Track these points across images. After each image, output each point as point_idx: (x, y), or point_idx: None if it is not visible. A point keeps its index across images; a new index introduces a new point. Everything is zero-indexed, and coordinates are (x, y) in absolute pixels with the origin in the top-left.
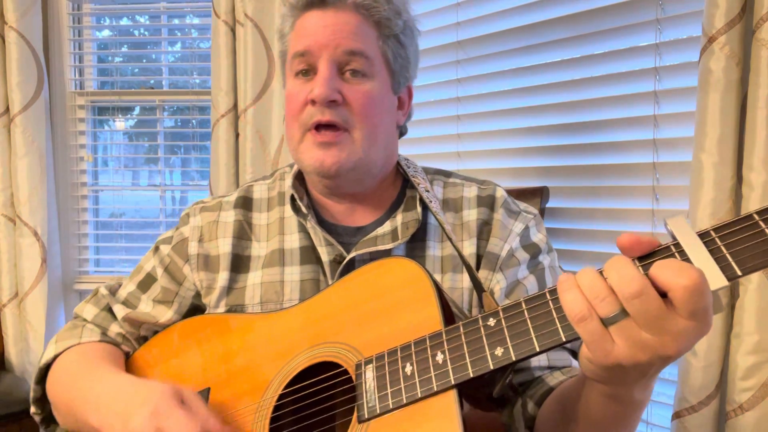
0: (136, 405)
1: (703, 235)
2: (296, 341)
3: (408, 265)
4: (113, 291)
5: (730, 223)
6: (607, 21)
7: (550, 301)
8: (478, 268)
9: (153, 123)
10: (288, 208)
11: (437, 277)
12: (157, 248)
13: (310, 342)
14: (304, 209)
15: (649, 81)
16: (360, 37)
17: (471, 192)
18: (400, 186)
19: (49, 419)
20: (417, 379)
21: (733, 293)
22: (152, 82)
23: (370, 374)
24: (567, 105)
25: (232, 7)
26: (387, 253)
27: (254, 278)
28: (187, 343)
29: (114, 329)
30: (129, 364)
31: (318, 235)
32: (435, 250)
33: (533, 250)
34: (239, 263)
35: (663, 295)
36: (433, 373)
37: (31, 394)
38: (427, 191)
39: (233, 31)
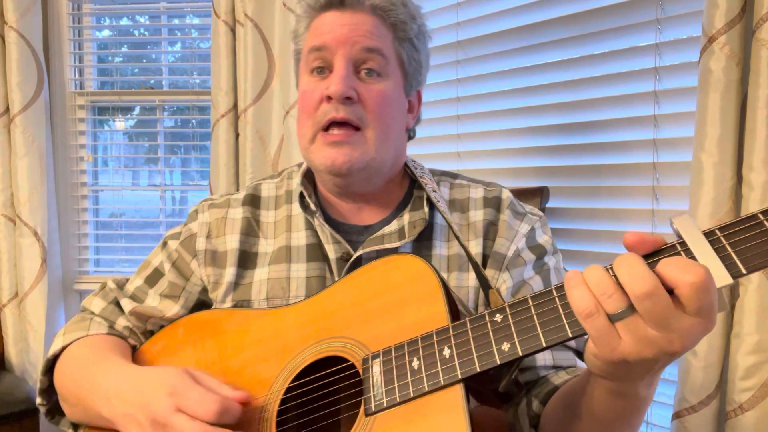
0: (153, 389)
1: (708, 234)
2: (303, 336)
3: (415, 261)
4: (121, 285)
5: (735, 223)
6: (607, 21)
7: (556, 298)
8: (484, 268)
9: (153, 123)
10: (295, 206)
11: (443, 275)
12: (165, 243)
13: (316, 337)
14: (312, 206)
15: (649, 81)
16: (377, 36)
17: (477, 193)
18: (407, 186)
19: (54, 410)
20: (424, 373)
21: (734, 293)
22: (152, 82)
23: (377, 368)
24: (567, 105)
25: (232, 7)
26: (394, 252)
27: (261, 274)
28: (194, 337)
29: (121, 323)
30: (135, 358)
31: (325, 233)
32: (441, 249)
33: (539, 251)
34: (246, 259)
35: (669, 292)
36: (440, 368)
37: (38, 386)
38: (435, 191)
39: (233, 31)
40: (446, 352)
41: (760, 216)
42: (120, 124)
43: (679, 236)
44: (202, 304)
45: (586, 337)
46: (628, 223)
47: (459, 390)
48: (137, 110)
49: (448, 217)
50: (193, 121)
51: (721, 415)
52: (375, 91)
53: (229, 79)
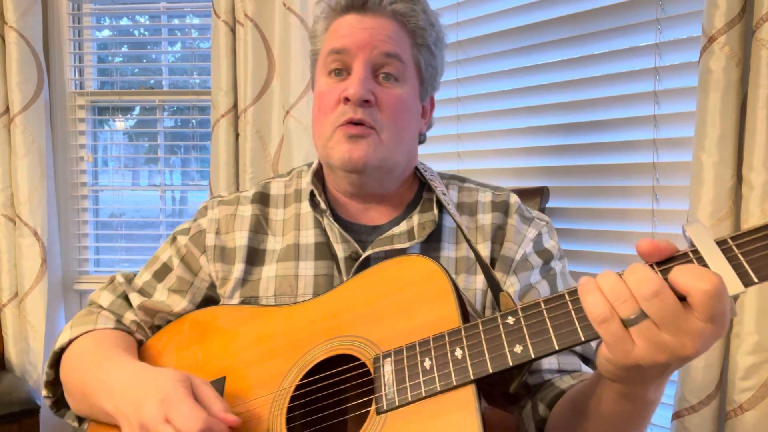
0: (148, 393)
1: (721, 243)
2: (313, 333)
3: (426, 262)
4: (129, 279)
5: (747, 232)
6: (607, 21)
7: (569, 302)
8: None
9: (153, 123)
10: (305, 205)
11: None
12: (174, 239)
13: (327, 334)
14: (323, 204)
15: (649, 81)
16: (396, 41)
17: (486, 197)
18: (417, 188)
19: (59, 403)
20: (436, 373)
21: None
22: (152, 82)
23: (388, 367)
24: (567, 105)
25: (232, 7)
26: (402, 252)
27: (269, 271)
28: (202, 332)
29: (129, 317)
30: (142, 352)
31: (334, 232)
32: (449, 251)
33: (546, 256)
34: (255, 256)
35: (682, 298)
36: (452, 368)
37: (44, 378)
38: (444, 194)
39: (233, 31)
40: (458, 352)
41: None
42: (120, 124)
43: (692, 244)
44: (210, 299)
45: (594, 344)
46: (628, 223)
47: (471, 390)
48: (137, 110)
49: (458, 220)
50: (193, 121)
51: (721, 415)
52: (392, 95)
53: (229, 79)
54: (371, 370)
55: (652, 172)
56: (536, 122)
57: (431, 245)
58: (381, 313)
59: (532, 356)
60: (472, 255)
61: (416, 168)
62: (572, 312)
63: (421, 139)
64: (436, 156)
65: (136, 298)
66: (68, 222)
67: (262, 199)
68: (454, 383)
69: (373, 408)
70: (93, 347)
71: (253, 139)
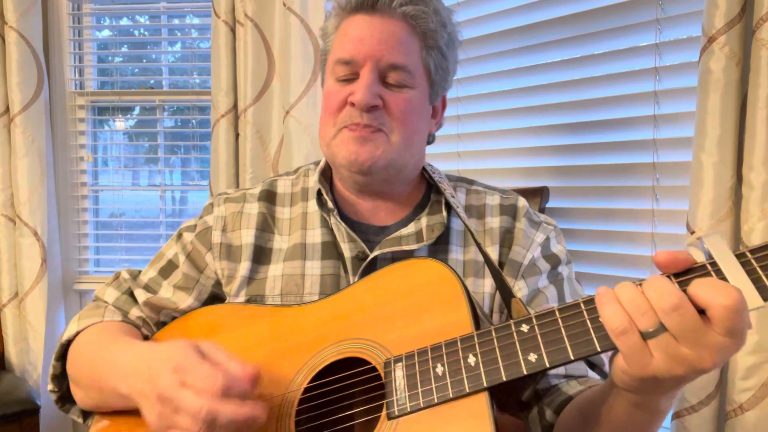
0: (160, 365)
1: (739, 255)
2: (323, 335)
3: (437, 266)
4: (134, 275)
5: (766, 245)
6: (607, 21)
7: (584, 311)
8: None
9: (153, 123)
10: (311, 204)
11: None
12: (180, 235)
13: (336, 337)
14: (330, 204)
15: (649, 81)
16: (404, 48)
17: (494, 200)
18: (424, 189)
19: (65, 398)
20: (449, 380)
21: None
22: (152, 82)
23: (400, 372)
24: (567, 105)
25: (232, 7)
26: (410, 254)
27: (275, 270)
28: (208, 330)
29: (134, 313)
30: None
31: (341, 231)
32: (457, 254)
33: (553, 261)
34: (261, 254)
35: (701, 312)
36: (465, 375)
37: (50, 371)
38: (453, 197)
39: (233, 31)
40: (471, 359)
41: None
42: (120, 124)
43: (710, 256)
44: (216, 297)
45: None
46: (628, 223)
47: (484, 398)
48: (137, 110)
49: (468, 223)
50: (193, 121)
51: (721, 415)
52: (400, 99)
53: (229, 79)
54: (382, 375)
55: (652, 172)
56: (536, 122)
57: (439, 247)
58: (392, 316)
59: (547, 365)
60: (480, 258)
61: (424, 169)
62: (588, 322)
63: (430, 140)
64: (436, 156)
65: (141, 294)
66: (68, 222)
67: (269, 197)
68: (467, 390)
69: (383, 413)
70: (102, 336)
71: (253, 139)
